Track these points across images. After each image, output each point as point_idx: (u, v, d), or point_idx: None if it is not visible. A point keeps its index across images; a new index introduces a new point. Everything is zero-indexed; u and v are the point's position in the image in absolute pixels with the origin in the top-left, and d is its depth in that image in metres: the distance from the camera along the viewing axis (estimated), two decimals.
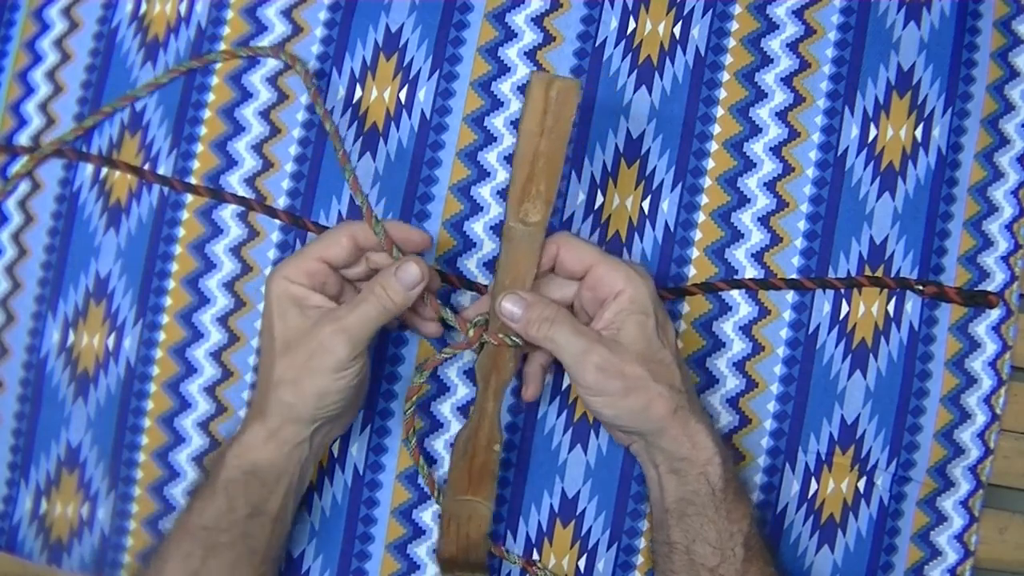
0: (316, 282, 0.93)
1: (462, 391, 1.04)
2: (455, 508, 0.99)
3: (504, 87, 1.05)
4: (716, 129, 1.04)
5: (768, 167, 1.04)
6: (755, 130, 1.04)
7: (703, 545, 0.93)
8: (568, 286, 0.97)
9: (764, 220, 1.03)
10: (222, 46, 1.05)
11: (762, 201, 1.03)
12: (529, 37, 1.05)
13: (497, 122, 1.04)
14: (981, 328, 1.03)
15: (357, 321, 0.90)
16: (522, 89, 1.04)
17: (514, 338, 0.96)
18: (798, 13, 1.04)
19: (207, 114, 1.05)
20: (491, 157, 1.04)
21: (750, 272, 1.03)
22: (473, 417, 0.98)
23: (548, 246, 0.95)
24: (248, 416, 0.95)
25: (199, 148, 1.05)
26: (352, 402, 0.96)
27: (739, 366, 1.03)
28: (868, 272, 1.03)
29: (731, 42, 1.04)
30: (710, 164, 1.04)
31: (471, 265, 1.04)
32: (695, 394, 0.97)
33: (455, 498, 0.99)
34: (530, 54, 1.05)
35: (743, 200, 1.04)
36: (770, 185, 1.03)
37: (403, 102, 1.05)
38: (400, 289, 0.91)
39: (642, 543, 1.03)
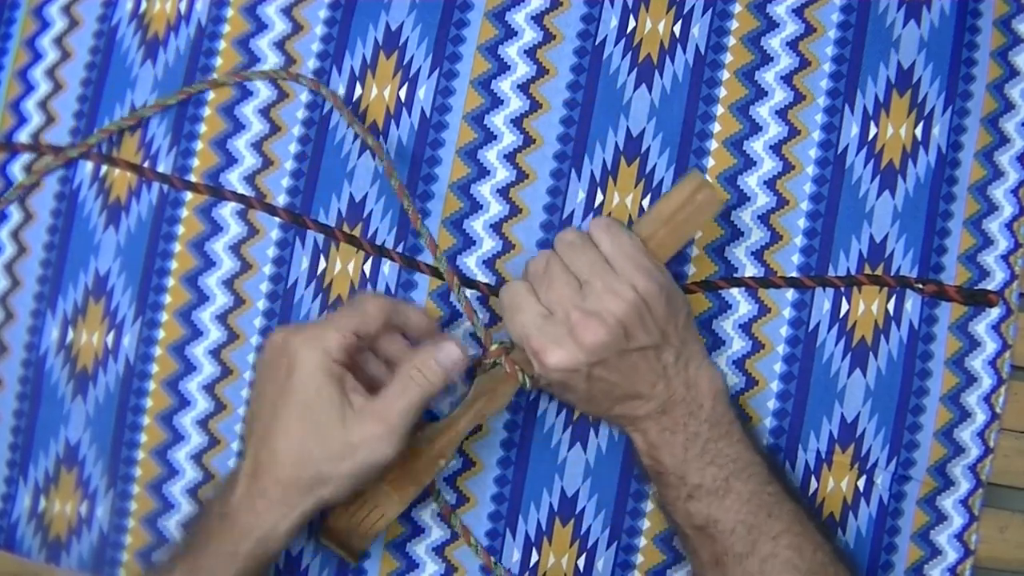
0: (353, 360, 0.93)
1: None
2: (372, 490, 0.97)
3: (504, 85, 1.05)
4: (716, 127, 1.04)
5: (768, 165, 1.04)
6: (755, 128, 1.04)
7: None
8: None
9: (764, 218, 1.03)
10: (222, 44, 1.05)
11: (762, 199, 1.03)
12: (529, 35, 1.05)
13: (497, 120, 1.04)
14: (981, 327, 1.03)
15: (401, 416, 0.90)
16: (523, 88, 1.04)
17: (528, 376, 0.96)
18: (798, 11, 1.04)
19: (207, 112, 1.05)
20: (491, 155, 1.04)
21: (750, 270, 1.03)
22: (442, 423, 0.98)
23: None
24: (254, 494, 0.91)
25: (199, 146, 1.05)
26: None
27: (739, 364, 1.03)
28: (868, 270, 1.03)
29: (731, 40, 1.04)
30: (710, 162, 1.04)
31: (471, 263, 1.04)
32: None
33: (378, 481, 0.96)
34: (530, 52, 1.05)
35: (743, 198, 1.03)
36: (770, 183, 1.03)
37: (403, 100, 1.05)
38: (440, 372, 0.91)
39: (642, 542, 1.03)
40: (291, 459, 0.90)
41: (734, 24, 1.05)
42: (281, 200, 1.05)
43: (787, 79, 1.04)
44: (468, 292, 1.03)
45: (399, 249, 1.04)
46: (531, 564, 1.03)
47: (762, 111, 1.04)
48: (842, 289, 1.03)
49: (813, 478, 1.03)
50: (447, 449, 0.97)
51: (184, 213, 1.05)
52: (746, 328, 1.03)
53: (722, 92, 1.04)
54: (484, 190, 1.04)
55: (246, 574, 0.90)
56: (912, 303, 1.03)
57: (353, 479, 0.90)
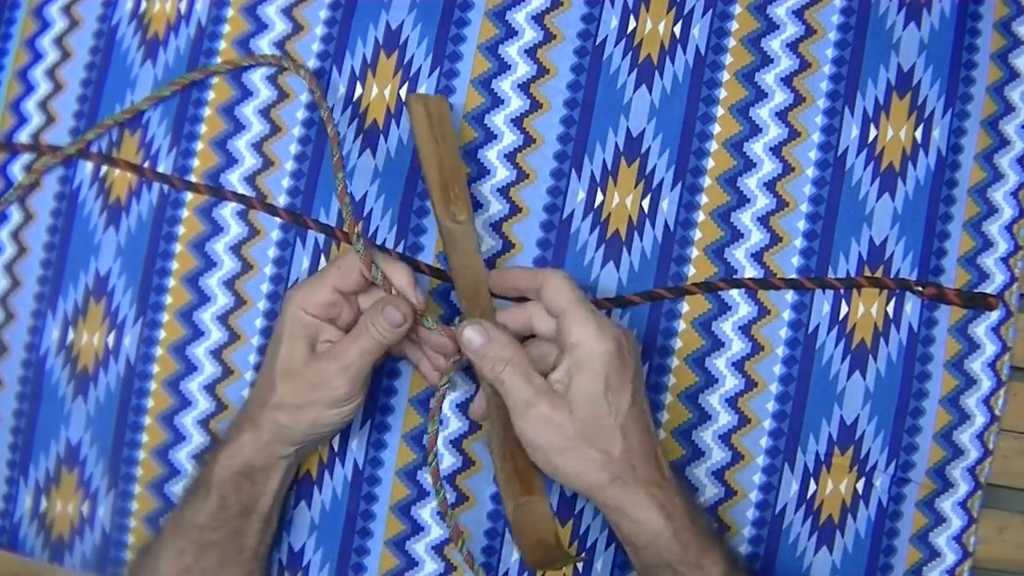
0: (331, 313, 0.95)
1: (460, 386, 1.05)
2: (519, 515, 0.96)
3: (504, 85, 1.04)
4: (716, 129, 1.04)
5: (768, 167, 1.04)
6: (755, 130, 1.04)
7: None
8: (553, 323, 0.96)
9: (764, 220, 1.03)
10: (222, 44, 1.05)
11: (762, 201, 1.03)
12: (529, 35, 1.05)
13: (497, 120, 1.04)
14: (980, 329, 1.03)
15: (357, 357, 0.93)
16: (523, 87, 1.04)
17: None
18: (798, 13, 1.04)
19: (207, 112, 1.05)
20: (491, 155, 1.04)
21: (750, 272, 1.03)
22: (495, 420, 0.97)
23: (536, 274, 0.95)
24: (241, 422, 0.96)
25: (199, 146, 1.05)
26: (341, 426, 0.98)
27: (738, 366, 1.03)
28: (868, 273, 1.03)
29: (731, 42, 1.04)
30: (710, 163, 1.04)
31: None
32: (650, 464, 0.93)
33: (515, 504, 0.96)
34: (530, 52, 1.05)
35: (743, 200, 1.03)
36: (770, 185, 1.03)
37: (404, 100, 1.05)
38: (387, 327, 0.93)
39: None
40: (260, 385, 0.96)
41: (734, 25, 1.04)
42: (282, 200, 1.05)
43: (787, 81, 1.04)
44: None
45: (399, 248, 1.04)
46: None
47: (762, 112, 1.04)
48: (841, 291, 1.02)
49: (812, 480, 1.03)
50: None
51: (184, 213, 1.05)
52: (746, 330, 1.03)
53: (722, 93, 1.04)
54: (484, 189, 1.04)
55: (222, 487, 0.95)
56: (912, 305, 1.03)
57: (309, 410, 0.94)
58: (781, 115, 1.04)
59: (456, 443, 1.04)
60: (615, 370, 0.91)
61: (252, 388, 0.98)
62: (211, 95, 1.05)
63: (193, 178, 1.05)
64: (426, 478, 1.03)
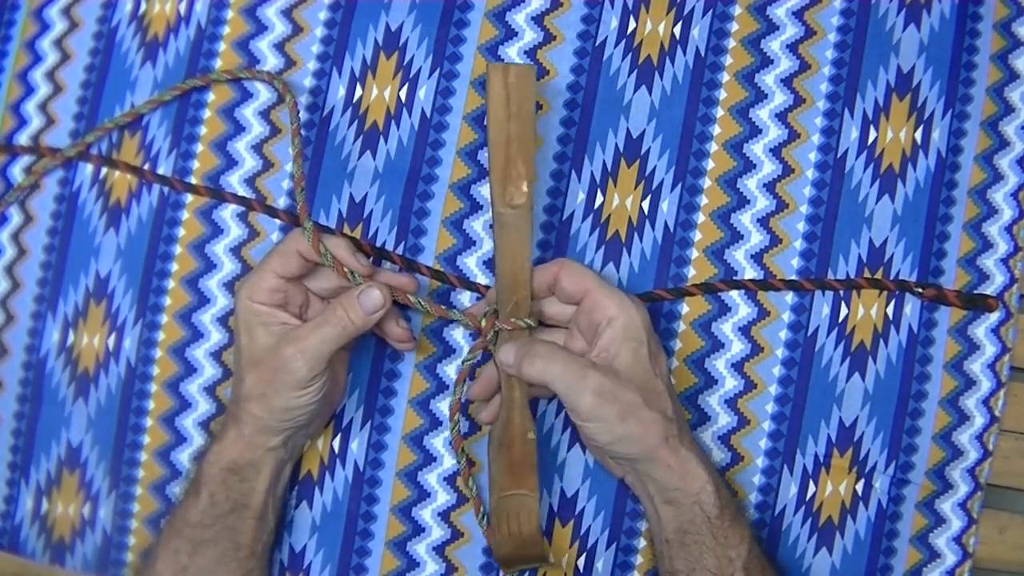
0: (277, 299, 0.96)
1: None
2: (503, 505, 0.99)
3: None
4: (716, 130, 1.04)
5: (768, 168, 1.04)
6: (755, 131, 1.04)
7: (703, 573, 0.94)
8: (567, 308, 0.99)
9: (763, 221, 1.03)
10: (222, 46, 1.05)
11: (762, 202, 1.03)
12: (529, 36, 1.05)
13: None
14: (980, 330, 1.03)
15: (316, 342, 0.94)
16: None
17: (527, 320, 0.97)
18: (798, 14, 1.04)
19: (207, 114, 1.05)
20: None
21: (749, 273, 1.03)
22: (502, 409, 0.99)
23: (549, 267, 0.97)
24: (225, 419, 0.98)
25: (199, 148, 1.05)
26: (320, 411, 0.99)
27: (738, 367, 1.03)
28: (867, 274, 1.03)
29: (731, 43, 1.04)
30: (710, 165, 1.04)
31: (471, 263, 1.04)
32: (686, 424, 0.98)
33: (501, 495, 0.99)
34: (530, 53, 1.04)
35: (743, 201, 1.04)
36: (770, 186, 1.03)
37: (403, 101, 1.05)
38: (361, 313, 0.94)
39: (641, 543, 1.03)
40: (234, 380, 0.98)
41: (734, 26, 1.04)
42: (282, 202, 1.05)
43: (787, 82, 1.04)
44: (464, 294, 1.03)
45: (399, 250, 1.04)
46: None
47: (762, 114, 1.04)
48: (841, 293, 1.02)
49: (811, 482, 1.03)
50: (526, 421, 0.98)
51: (184, 215, 1.05)
52: (745, 331, 1.03)
53: (722, 94, 1.04)
54: (484, 191, 1.04)
55: (211, 484, 0.96)
56: (911, 307, 1.03)
57: (276, 396, 0.94)
58: (781, 116, 1.04)
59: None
60: (653, 337, 0.97)
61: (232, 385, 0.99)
62: (211, 97, 1.05)
63: (193, 180, 1.05)
64: (426, 479, 1.04)
